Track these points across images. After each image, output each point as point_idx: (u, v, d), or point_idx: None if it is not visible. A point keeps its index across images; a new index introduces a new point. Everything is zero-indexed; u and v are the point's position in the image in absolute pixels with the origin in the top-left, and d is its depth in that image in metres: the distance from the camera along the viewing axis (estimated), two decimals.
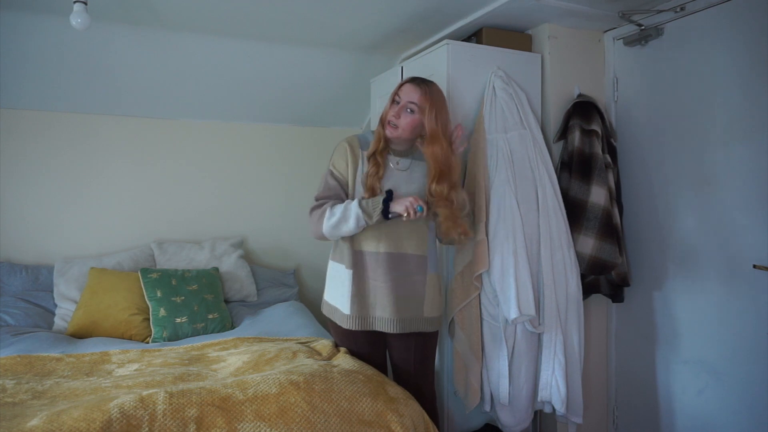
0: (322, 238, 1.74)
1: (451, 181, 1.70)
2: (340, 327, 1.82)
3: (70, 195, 2.82)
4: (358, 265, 1.76)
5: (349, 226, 1.67)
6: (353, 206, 1.66)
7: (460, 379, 2.06)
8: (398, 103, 1.71)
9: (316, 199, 1.77)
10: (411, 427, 1.49)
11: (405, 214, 1.60)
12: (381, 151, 1.74)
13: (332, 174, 1.78)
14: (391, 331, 1.74)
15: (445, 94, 2.05)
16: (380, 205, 1.64)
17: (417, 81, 1.73)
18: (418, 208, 1.61)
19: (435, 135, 1.68)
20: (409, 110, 1.69)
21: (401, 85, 1.74)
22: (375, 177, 1.71)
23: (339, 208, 1.69)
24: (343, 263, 1.79)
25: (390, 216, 1.65)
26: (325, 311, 1.89)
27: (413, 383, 1.81)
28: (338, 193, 1.77)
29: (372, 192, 1.70)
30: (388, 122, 1.71)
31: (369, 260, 1.75)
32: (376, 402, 1.51)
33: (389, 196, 1.65)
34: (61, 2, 2.01)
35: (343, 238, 1.77)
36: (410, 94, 1.69)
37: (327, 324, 1.99)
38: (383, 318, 1.74)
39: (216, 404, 1.37)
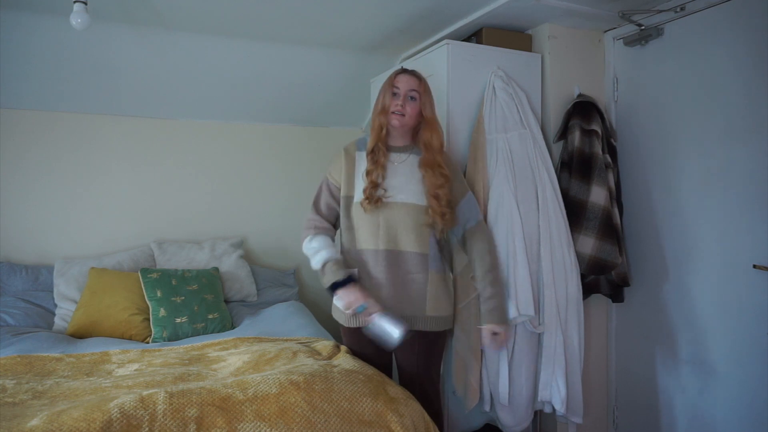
0: None
1: (443, 174, 1.75)
2: (345, 327, 1.83)
3: (70, 195, 2.81)
4: (359, 263, 1.77)
5: (314, 266, 1.79)
6: (320, 258, 1.76)
7: (459, 378, 2.05)
8: (398, 94, 1.75)
9: (312, 204, 1.87)
10: (411, 427, 1.49)
11: (345, 310, 1.71)
12: (383, 138, 1.77)
13: (327, 182, 1.87)
14: None
15: (445, 94, 2.07)
16: (333, 280, 1.71)
17: (409, 71, 1.79)
18: (358, 308, 1.67)
19: (431, 121, 1.76)
20: (411, 98, 1.75)
21: (395, 76, 1.78)
22: (376, 171, 1.75)
23: (315, 246, 1.79)
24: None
25: (334, 296, 1.73)
26: (333, 314, 1.89)
27: (418, 386, 1.81)
28: (328, 201, 1.85)
29: (373, 185, 1.73)
30: (393, 113, 1.74)
31: (369, 258, 1.76)
32: (376, 402, 1.51)
33: (346, 280, 1.71)
34: (61, 2, 2.01)
35: (344, 237, 1.83)
36: (408, 83, 1.75)
37: (327, 324, 1.99)
38: None
39: (216, 404, 1.37)
